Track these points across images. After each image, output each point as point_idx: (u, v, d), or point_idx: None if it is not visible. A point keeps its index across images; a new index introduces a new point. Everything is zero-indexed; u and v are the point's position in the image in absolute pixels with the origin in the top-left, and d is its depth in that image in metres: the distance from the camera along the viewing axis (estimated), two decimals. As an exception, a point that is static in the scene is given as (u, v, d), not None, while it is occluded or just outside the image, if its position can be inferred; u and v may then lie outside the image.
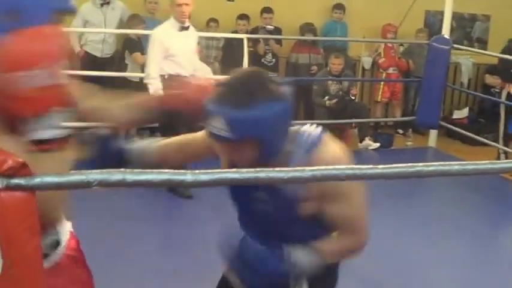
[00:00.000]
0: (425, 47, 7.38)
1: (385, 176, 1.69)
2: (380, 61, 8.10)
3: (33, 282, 1.42)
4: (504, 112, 7.15)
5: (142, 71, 6.83)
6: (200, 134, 2.12)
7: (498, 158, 6.89)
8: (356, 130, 7.61)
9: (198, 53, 5.93)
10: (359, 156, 6.40)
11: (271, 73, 7.51)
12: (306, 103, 7.67)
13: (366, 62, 8.32)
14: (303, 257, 1.91)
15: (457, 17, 8.53)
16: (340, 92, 7.36)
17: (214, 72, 6.73)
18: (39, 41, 1.48)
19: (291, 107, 1.84)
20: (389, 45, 8.08)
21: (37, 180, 1.36)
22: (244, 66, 6.66)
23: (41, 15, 1.51)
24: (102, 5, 6.91)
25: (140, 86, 6.88)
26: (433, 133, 7.62)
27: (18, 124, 1.51)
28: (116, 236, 4.49)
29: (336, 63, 7.24)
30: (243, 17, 7.47)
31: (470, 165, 1.74)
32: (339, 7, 8.13)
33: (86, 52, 6.90)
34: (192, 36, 5.65)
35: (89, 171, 1.40)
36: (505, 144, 7.03)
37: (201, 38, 7.26)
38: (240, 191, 2.02)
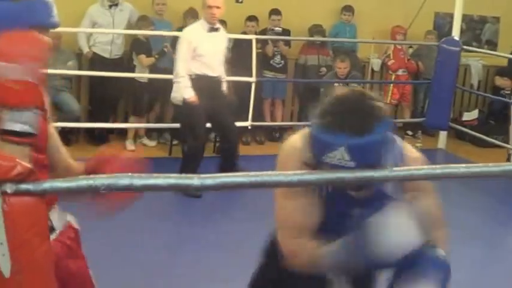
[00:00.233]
0: (434, 49, 7.36)
1: (392, 179, 1.69)
2: (389, 63, 8.07)
3: (42, 287, 1.42)
4: (514, 114, 7.12)
5: (150, 72, 6.86)
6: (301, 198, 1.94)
7: (508, 160, 6.86)
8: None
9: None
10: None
11: (280, 75, 7.65)
12: (315, 105, 7.62)
13: (375, 63, 8.29)
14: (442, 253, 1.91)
15: (466, 18, 8.49)
16: (348, 94, 7.33)
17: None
18: (23, 40, 1.63)
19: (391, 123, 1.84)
20: (399, 46, 8.05)
21: (46, 185, 1.36)
22: (252, 67, 6.67)
23: (18, 28, 1.67)
24: (110, 6, 6.91)
25: (147, 87, 6.90)
26: (443, 135, 7.59)
27: None
28: (124, 233, 4.49)
29: (341, 67, 7.23)
30: (251, 18, 7.45)
31: (477, 167, 1.75)
32: (348, 9, 8.09)
33: (95, 53, 6.91)
34: (222, 38, 5.68)
35: (97, 175, 1.40)
36: (515, 146, 7.00)
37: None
38: (333, 211, 1.93)
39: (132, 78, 6.84)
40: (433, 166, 1.75)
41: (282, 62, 7.65)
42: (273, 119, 7.78)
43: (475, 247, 4.75)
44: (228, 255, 4.30)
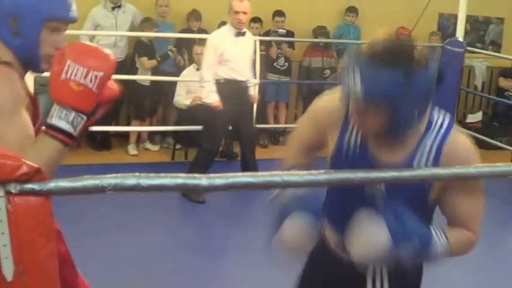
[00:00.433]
0: (438, 50, 7.33)
1: (399, 179, 1.66)
2: (393, 64, 8.04)
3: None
4: (518, 115, 7.10)
5: (153, 74, 6.83)
6: (307, 127, 2.05)
7: (513, 162, 6.84)
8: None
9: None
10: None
11: (284, 77, 7.62)
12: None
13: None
14: (441, 239, 1.82)
15: (470, 19, 8.47)
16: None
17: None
18: (98, 52, 1.78)
19: (433, 85, 1.75)
20: (403, 48, 8.01)
21: (51, 185, 1.36)
22: (256, 70, 6.64)
23: (35, 20, 1.82)
24: (113, 8, 6.89)
25: (149, 90, 6.87)
26: (447, 137, 7.55)
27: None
28: (127, 239, 4.47)
29: (343, 67, 7.22)
30: (255, 20, 7.42)
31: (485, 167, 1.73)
32: (352, 10, 8.08)
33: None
34: (249, 42, 5.72)
35: (103, 175, 1.39)
36: (520, 148, 6.97)
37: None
38: (353, 190, 1.88)
39: (135, 82, 6.82)
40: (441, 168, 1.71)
41: (286, 64, 7.63)
42: (276, 122, 7.76)
43: (477, 246, 4.74)
44: (234, 259, 4.29)
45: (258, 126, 6.88)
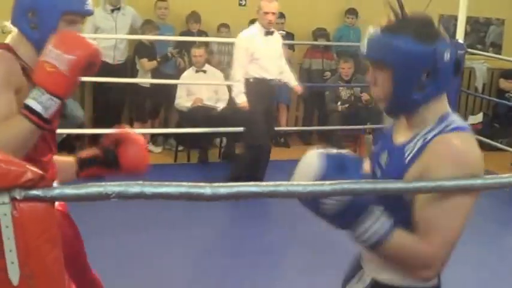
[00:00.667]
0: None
1: (403, 190, 1.65)
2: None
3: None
4: (519, 117, 7.09)
5: (153, 77, 6.82)
6: None
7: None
8: (370, 136, 7.55)
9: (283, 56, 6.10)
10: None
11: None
12: (320, 109, 7.64)
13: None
14: (383, 221, 1.61)
15: (471, 21, 8.47)
16: (352, 97, 7.33)
17: (227, 78, 6.69)
18: (78, 39, 1.90)
19: (442, 65, 1.73)
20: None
21: (56, 191, 1.36)
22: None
23: (53, 14, 1.95)
24: (112, 10, 6.89)
25: (150, 92, 6.86)
26: (448, 138, 7.54)
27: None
28: (132, 239, 4.50)
29: (345, 68, 7.28)
30: (255, 22, 7.40)
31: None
32: (352, 12, 8.08)
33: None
34: (277, 40, 5.89)
35: (107, 183, 1.38)
36: (521, 149, 6.96)
37: (213, 43, 7.24)
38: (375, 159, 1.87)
39: (136, 84, 6.81)
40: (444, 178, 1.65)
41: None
42: (277, 124, 7.74)
43: (476, 247, 4.73)
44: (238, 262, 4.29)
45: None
